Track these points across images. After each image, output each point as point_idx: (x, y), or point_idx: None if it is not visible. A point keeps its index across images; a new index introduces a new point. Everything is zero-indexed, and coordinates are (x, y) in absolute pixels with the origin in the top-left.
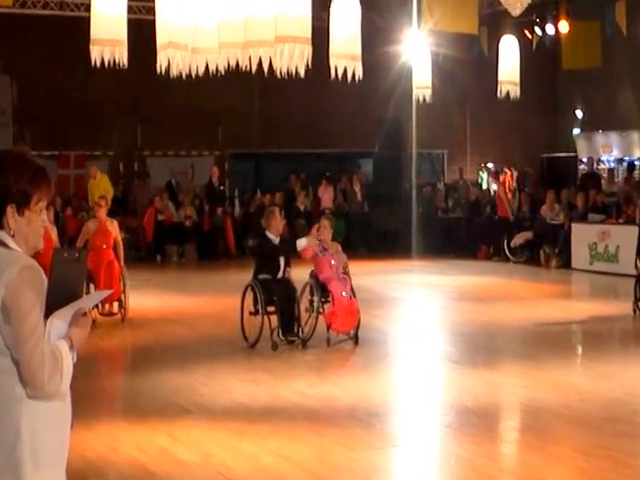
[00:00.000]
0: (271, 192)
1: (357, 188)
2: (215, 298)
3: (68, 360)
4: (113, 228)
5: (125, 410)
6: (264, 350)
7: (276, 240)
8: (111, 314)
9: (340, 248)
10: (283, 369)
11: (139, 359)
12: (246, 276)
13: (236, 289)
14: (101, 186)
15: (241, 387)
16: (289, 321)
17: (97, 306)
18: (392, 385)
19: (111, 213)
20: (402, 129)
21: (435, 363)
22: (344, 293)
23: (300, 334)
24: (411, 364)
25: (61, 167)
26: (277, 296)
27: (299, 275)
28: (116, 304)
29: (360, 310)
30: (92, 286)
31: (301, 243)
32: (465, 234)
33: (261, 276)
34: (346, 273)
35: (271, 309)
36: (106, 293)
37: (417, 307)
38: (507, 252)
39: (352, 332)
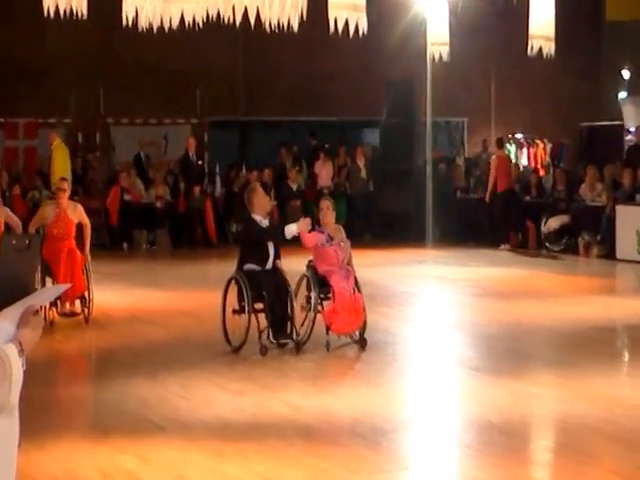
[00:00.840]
0: (259, 168)
1: (360, 163)
2: (192, 293)
3: (17, 367)
4: (76, 215)
5: (85, 426)
6: (250, 355)
7: (264, 223)
8: (73, 314)
9: (344, 233)
10: (273, 378)
11: (102, 366)
12: (229, 267)
13: (217, 283)
14: (56, 159)
15: (223, 399)
16: (281, 321)
17: (56, 305)
18: (402, 397)
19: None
20: (414, 93)
21: (452, 371)
22: (345, 286)
23: (294, 336)
24: (424, 372)
25: (8, 137)
26: (266, 290)
27: (293, 265)
28: (78, 302)
29: (366, 308)
30: (49, 280)
31: (291, 229)
32: (489, 218)
33: (247, 266)
34: (350, 264)
35: (259, 306)
36: (63, 287)
37: (431, 304)
38: (540, 239)
39: (356, 334)
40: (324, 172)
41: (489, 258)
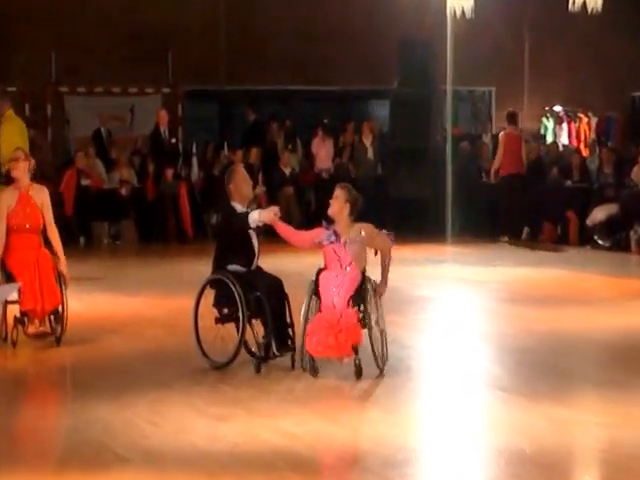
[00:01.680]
0: (244, 147)
1: (367, 142)
2: (164, 299)
3: None
4: (40, 198)
5: (36, 458)
6: (235, 373)
7: (245, 211)
8: (43, 335)
9: (370, 231)
10: (261, 400)
11: (57, 386)
12: (208, 267)
13: (193, 285)
14: (5, 134)
15: (201, 425)
16: (283, 328)
17: (22, 323)
18: (416, 423)
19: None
20: (432, 57)
21: (477, 392)
22: (336, 299)
23: (293, 346)
24: (443, 393)
25: None
26: (262, 293)
27: (290, 266)
28: (48, 319)
29: (360, 329)
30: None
31: (253, 216)
32: (521, 207)
33: (231, 267)
34: (385, 268)
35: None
36: (13, 288)
37: (451, 311)
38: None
39: (348, 359)
40: (323, 152)
41: (521, 256)
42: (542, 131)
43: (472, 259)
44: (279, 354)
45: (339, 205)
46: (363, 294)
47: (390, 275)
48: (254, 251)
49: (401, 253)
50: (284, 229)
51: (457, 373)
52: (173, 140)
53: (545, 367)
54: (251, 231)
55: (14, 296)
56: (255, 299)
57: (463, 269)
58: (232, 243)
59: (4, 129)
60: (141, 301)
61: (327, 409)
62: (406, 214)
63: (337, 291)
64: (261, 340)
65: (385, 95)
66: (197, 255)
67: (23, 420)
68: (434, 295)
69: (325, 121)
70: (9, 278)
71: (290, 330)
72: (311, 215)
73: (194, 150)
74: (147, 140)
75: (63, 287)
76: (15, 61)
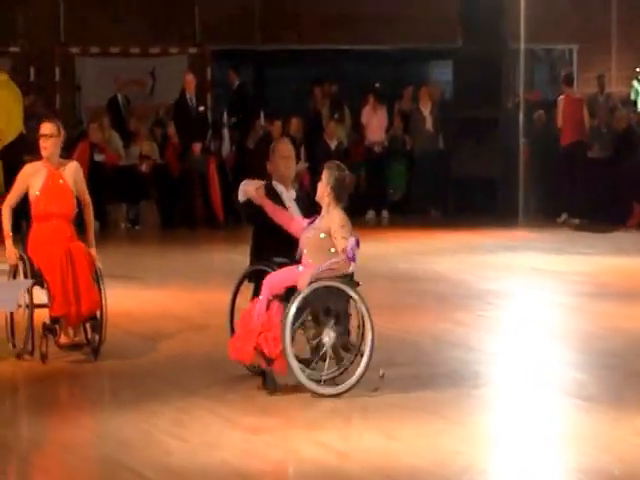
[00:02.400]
0: (282, 116)
1: (426, 110)
2: (191, 292)
3: None
4: (72, 178)
5: (45, 476)
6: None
7: (288, 195)
8: (77, 346)
9: (333, 224)
10: (302, 409)
11: (68, 395)
12: (242, 255)
13: (225, 277)
14: (19, 100)
15: (232, 439)
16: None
17: (52, 332)
18: (485, 437)
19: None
20: (502, 10)
21: (556, 401)
22: (271, 297)
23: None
24: (516, 403)
25: None
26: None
27: None
28: (84, 326)
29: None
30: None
31: (243, 188)
32: (607, 186)
33: (277, 260)
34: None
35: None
36: (23, 285)
37: (525, 308)
38: None
39: (259, 366)
40: (375, 122)
41: (610, 243)
42: (632, 96)
43: (549, 246)
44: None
45: (322, 189)
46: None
47: (451, 265)
48: (297, 239)
49: (465, 239)
50: (278, 212)
51: (532, 379)
52: (201, 108)
53: (635, 373)
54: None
55: (43, 299)
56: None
57: (538, 258)
58: (270, 230)
59: (3, 95)
60: (165, 295)
61: (379, 421)
62: (471, 195)
63: (272, 285)
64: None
65: (448, 56)
66: (229, 242)
67: (30, 434)
68: (504, 289)
69: (377, 86)
70: (37, 277)
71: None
72: (361, 196)
73: (225, 120)
74: (171, 109)
75: (102, 287)
76: (19, 17)
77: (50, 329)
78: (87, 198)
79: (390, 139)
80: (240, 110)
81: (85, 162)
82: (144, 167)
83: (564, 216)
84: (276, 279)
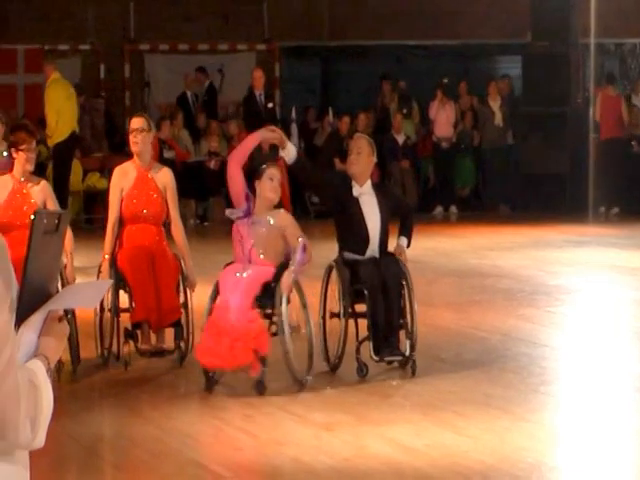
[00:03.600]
0: (351, 113)
1: (495, 105)
2: None
3: (48, 391)
4: (163, 182)
5: (113, 470)
6: (344, 375)
7: (362, 191)
8: (161, 352)
9: (285, 222)
10: (373, 407)
11: (137, 391)
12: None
13: None
14: (49, 101)
15: (303, 436)
16: (387, 330)
17: (133, 337)
18: (554, 435)
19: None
20: (571, 6)
21: (626, 399)
22: (232, 299)
23: (406, 351)
24: (587, 401)
25: (1, 71)
26: (368, 287)
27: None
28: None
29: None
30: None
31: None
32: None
33: (346, 255)
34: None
35: (360, 308)
36: (104, 285)
37: (596, 304)
38: None
39: (255, 372)
40: (443, 118)
41: None
42: None
43: (621, 241)
44: (377, 359)
45: (278, 188)
46: (273, 293)
47: (520, 260)
48: (367, 236)
49: (534, 234)
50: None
51: (602, 377)
52: (270, 105)
53: None
54: (366, 211)
55: (126, 303)
56: (359, 293)
57: (610, 253)
58: (342, 225)
59: (50, 95)
60: None
61: (448, 417)
62: (540, 189)
63: (234, 288)
64: (363, 340)
65: (517, 51)
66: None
67: (97, 430)
68: (573, 285)
69: (445, 81)
70: (121, 281)
71: (399, 332)
72: (429, 192)
73: (293, 116)
74: (240, 106)
75: (189, 294)
76: (89, 15)
77: (131, 334)
78: (174, 214)
79: (458, 134)
80: (210, 109)
81: (154, 158)
82: (212, 164)
83: (602, 209)
84: (252, 279)
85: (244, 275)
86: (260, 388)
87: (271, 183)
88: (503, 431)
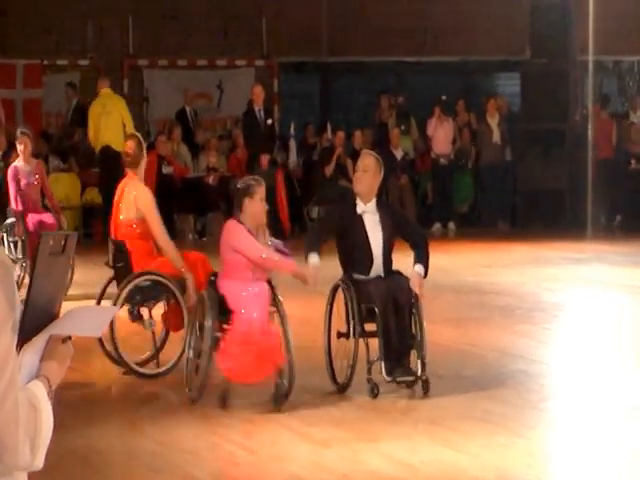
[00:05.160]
0: (348, 128)
1: (493, 122)
2: None
3: (48, 412)
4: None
5: None
6: (345, 392)
7: (366, 209)
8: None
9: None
10: (370, 422)
11: (137, 405)
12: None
13: (292, 289)
14: (89, 114)
15: (301, 452)
16: (399, 349)
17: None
18: (552, 453)
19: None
20: (570, 21)
21: (625, 418)
22: (255, 314)
23: (418, 371)
24: (584, 419)
25: (1, 85)
26: (379, 305)
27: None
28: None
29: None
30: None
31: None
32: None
33: (352, 275)
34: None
35: (370, 328)
36: (109, 312)
37: (593, 322)
38: None
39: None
40: (441, 134)
41: None
42: None
43: (619, 258)
44: (389, 379)
45: (263, 208)
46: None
47: (518, 277)
48: (371, 255)
49: (532, 251)
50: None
51: (599, 394)
52: (269, 121)
53: None
54: (369, 229)
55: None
56: (369, 312)
57: (609, 270)
58: (344, 245)
59: (89, 110)
60: None
61: (446, 433)
62: (538, 206)
63: (255, 302)
64: (375, 360)
65: (515, 68)
66: (296, 252)
67: (94, 443)
68: (571, 302)
69: (443, 98)
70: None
71: (414, 352)
72: (427, 208)
73: (292, 132)
74: (239, 121)
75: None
76: (88, 30)
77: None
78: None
79: (456, 151)
80: (78, 126)
81: (153, 174)
82: (211, 179)
83: (603, 219)
84: (265, 293)
85: (256, 289)
86: (278, 400)
87: (262, 205)
88: (501, 447)
